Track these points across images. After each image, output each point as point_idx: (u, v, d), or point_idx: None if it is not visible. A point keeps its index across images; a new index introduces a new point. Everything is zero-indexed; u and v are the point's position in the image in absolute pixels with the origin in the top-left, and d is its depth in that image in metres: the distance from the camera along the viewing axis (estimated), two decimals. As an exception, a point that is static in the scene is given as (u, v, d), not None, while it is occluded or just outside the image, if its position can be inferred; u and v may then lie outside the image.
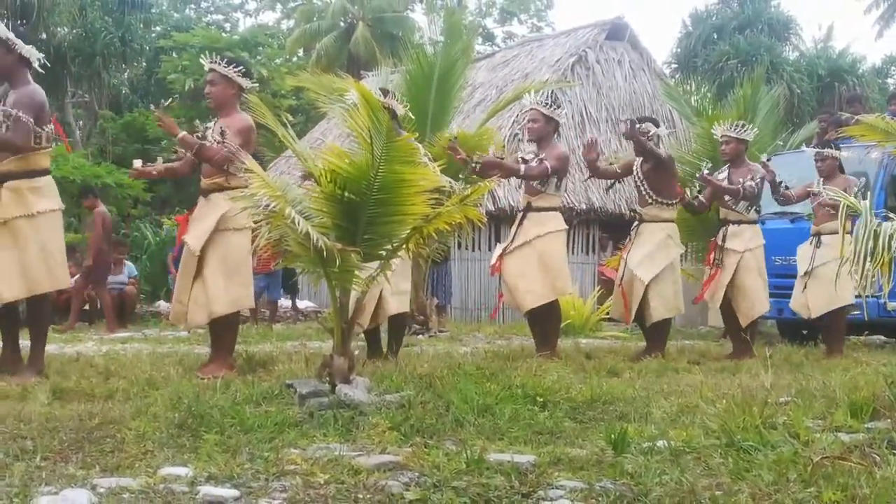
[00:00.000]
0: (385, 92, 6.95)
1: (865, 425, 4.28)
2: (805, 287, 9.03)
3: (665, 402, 5.06)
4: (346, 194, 4.82)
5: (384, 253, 5.20)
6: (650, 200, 8.47)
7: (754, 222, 8.96)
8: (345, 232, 4.93)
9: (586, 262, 17.00)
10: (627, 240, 8.77)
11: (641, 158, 8.45)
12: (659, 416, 4.63)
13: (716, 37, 29.00)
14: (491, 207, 15.71)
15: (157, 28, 33.27)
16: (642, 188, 8.51)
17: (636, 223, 8.66)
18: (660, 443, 3.88)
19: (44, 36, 26.97)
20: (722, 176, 8.92)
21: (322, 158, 4.90)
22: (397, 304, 7.01)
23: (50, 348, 7.45)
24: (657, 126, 8.58)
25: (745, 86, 14.39)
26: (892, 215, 5.31)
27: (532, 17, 40.67)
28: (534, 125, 7.95)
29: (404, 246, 5.28)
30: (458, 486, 3.24)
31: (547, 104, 7.94)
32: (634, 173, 8.60)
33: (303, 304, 15.53)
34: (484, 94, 19.18)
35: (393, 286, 6.65)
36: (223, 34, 32.09)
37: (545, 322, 8.06)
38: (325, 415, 4.35)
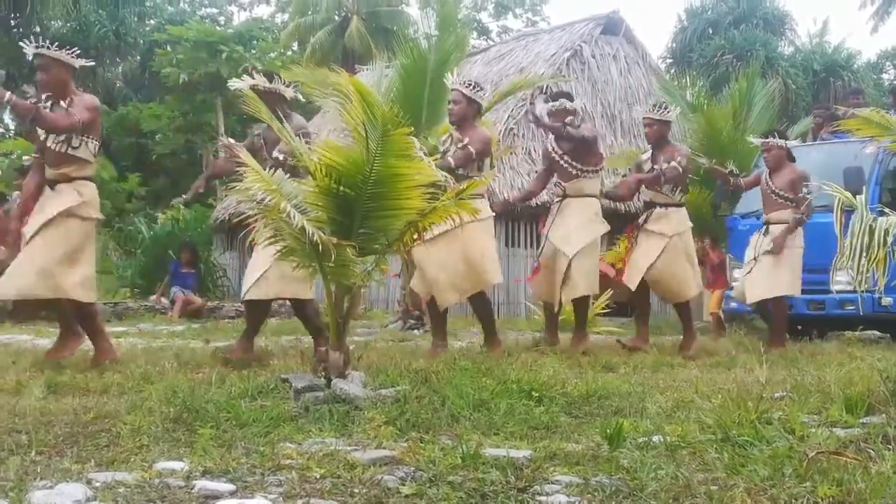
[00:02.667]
0: (270, 76, 7.13)
1: (860, 420, 4.29)
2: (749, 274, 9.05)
3: (660, 397, 5.06)
4: (342, 188, 4.81)
5: (379, 247, 5.19)
6: (574, 172, 8.25)
7: (681, 205, 8.79)
8: (340, 226, 4.92)
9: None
10: (549, 217, 8.57)
11: (554, 136, 8.31)
12: (654, 411, 4.63)
13: (711, 31, 29.06)
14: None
15: (152, 21, 33.22)
16: (563, 162, 8.29)
17: (559, 199, 8.42)
18: (655, 438, 3.88)
19: (37, 29, 26.90)
20: (645, 157, 8.86)
21: (317, 152, 4.89)
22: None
23: (44, 343, 7.45)
24: (572, 100, 8.32)
25: (741, 80, 14.45)
26: (887, 210, 5.31)
27: (527, 11, 40.69)
28: (454, 106, 7.60)
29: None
30: (453, 480, 3.23)
31: (469, 85, 7.67)
32: (552, 152, 8.44)
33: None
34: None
35: None
36: (217, 28, 32.01)
37: (480, 316, 7.80)
38: (321, 409, 4.35)
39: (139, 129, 28.40)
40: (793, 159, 9.04)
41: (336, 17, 32.80)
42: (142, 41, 30.16)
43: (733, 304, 11.13)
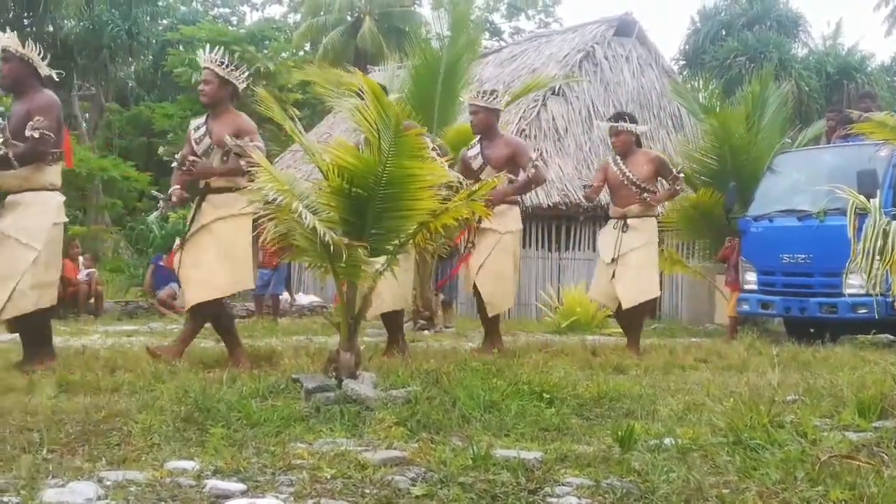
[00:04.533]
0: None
1: (873, 424, 4.27)
2: (614, 276, 8.26)
3: (672, 399, 5.05)
4: (354, 189, 4.82)
5: (391, 248, 5.19)
6: None
7: (517, 203, 8.16)
8: (352, 227, 4.92)
9: (593, 259, 16.93)
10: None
11: None
12: (666, 414, 4.62)
13: (724, 33, 28.99)
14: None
15: (164, 21, 33.30)
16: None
17: None
18: (667, 440, 3.87)
19: (50, 28, 27.01)
20: (473, 153, 7.98)
21: (330, 153, 4.89)
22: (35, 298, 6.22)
23: (56, 341, 7.45)
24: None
25: (754, 83, 14.39)
26: (901, 213, 5.29)
27: (539, 12, 40.68)
28: (205, 87, 6.72)
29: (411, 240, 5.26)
30: (464, 481, 3.23)
31: (222, 63, 6.73)
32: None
33: (307, 298, 15.53)
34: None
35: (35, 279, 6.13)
36: (230, 28, 32.10)
37: (216, 321, 6.86)
38: (332, 409, 4.35)
39: (151, 129, 28.46)
40: (640, 144, 8.50)
41: (348, 18, 32.85)
42: (154, 41, 30.20)
43: (745, 307, 11.10)
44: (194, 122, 6.89)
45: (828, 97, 26.14)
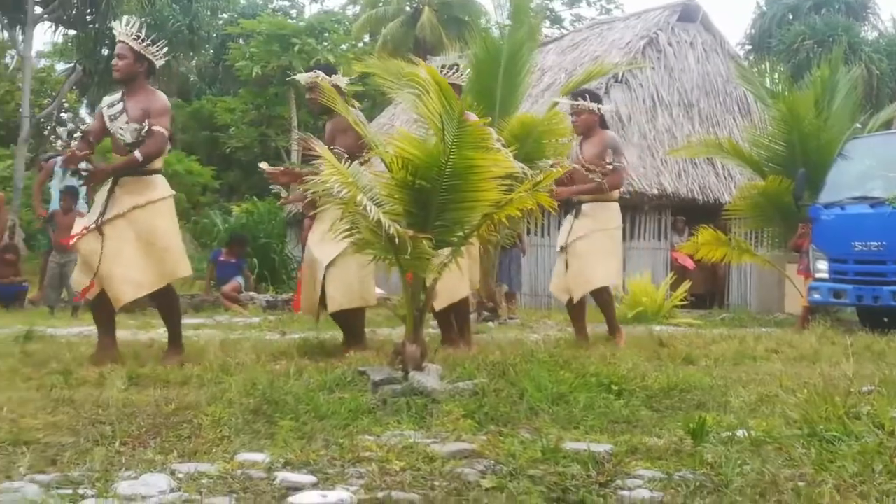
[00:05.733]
0: (330, 70, 6.91)
1: (953, 415, 4.15)
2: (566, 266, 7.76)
3: (743, 390, 4.96)
4: (418, 181, 4.80)
5: (455, 239, 5.17)
6: None
7: (614, 200, 7.84)
8: (416, 218, 4.91)
9: (658, 248, 16.80)
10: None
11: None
12: (737, 406, 4.53)
13: (791, 17, 28.53)
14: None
15: (224, 15, 33.64)
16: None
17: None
18: (739, 432, 3.79)
19: (113, 24, 27.43)
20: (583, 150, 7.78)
21: (393, 145, 4.88)
22: None
23: (124, 334, 7.58)
24: (331, 73, 6.95)
25: (822, 67, 14.11)
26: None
27: (600, -1, 40.32)
28: (119, 62, 6.27)
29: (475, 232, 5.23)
30: (534, 474, 3.20)
31: (138, 38, 6.25)
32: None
33: (371, 290, 15.54)
34: (553, 77, 19.02)
35: None
36: (289, 20, 32.31)
37: (166, 313, 6.58)
38: (399, 402, 4.34)
39: (213, 123, 28.80)
40: (606, 126, 8.06)
41: (407, 8, 32.92)
42: (215, 35, 30.56)
43: (817, 296, 10.89)
44: (107, 99, 6.49)
45: (899, 80, 25.58)
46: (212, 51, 31.69)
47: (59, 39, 30.97)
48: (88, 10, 25.75)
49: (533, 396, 4.44)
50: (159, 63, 6.37)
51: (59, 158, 12.19)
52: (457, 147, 4.69)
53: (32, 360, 6.03)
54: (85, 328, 8.32)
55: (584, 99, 7.81)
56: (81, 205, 11.51)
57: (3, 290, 11.69)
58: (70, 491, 2.90)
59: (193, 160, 24.68)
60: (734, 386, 5.14)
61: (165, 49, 6.42)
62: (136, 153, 6.02)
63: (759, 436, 3.73)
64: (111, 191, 6.13)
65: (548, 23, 36.86)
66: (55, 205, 11.79)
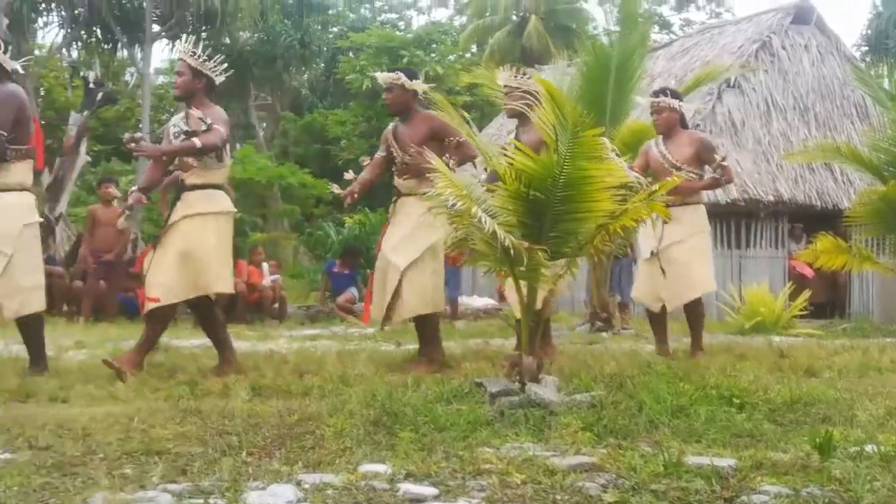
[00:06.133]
0: (411, 74, 6.91)
1: None
2: (663, 273, 7.36)
3: (870, 404, 4.82)
4: (532, 192, 4.80)
5: (569, 250, 5.15)
6: (406, 170, 6.82)
7: (702, 202, 7.55)
8: (530, 230, 4.91)
9: (775, 257, 16.38)
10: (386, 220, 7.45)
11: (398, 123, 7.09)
12: (865, 420, 4.41)
13: (908, 17, 27.57)
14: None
15: (335, 29, 34.13)
16: (396, 156, 6.95)
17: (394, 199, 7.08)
18: (868, 447, 3.69)
19: (227, 41, 28.16)
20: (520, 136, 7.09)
21: (507, 156, 4.90)
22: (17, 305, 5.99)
23: (244, 345, 7.77)
24: (412, 77, 6.93)
25: (945, 67, 13.59)
26: None
27: (710, 2, 39.68)
28: (178, 79, 6.39)
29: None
30: (656, 489, 3.17)
31: (195, 54, 6.34)
32: (389, 143, 7.08)
33: (482, 301, 15.60)
34: (662, 83, 18.75)
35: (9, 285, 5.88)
36: (397, 33, 32.65)
37: (205, 325, 6.61)
38: (516, 414, 4.35)
39: (325, 136, 29.24)
40: (685, 125, 7.72)
41: (514, 18, 32.95)
42: (326, 49, 31.04)
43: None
44: (174, 119, 6.64)
45: None
46: (322, 64, 32.18)
47: (176, 56, 31.94)
48: (203, 28, 26.49)
49: (652, 409, 4.40)
50: (219, 79, 6.42)
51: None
52: (570, 158, 4.69)
53: (158, 371, 6.22)
54: (207, 340, 8.54)
55: (665, 96, 7.62)
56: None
57: (128, 303, 12.07)
58: (201, 501, 2.99)
59: (306, 173, 25.06)
60: (860, 399, 5.00)
61: (225, 65, 6.47)
62: (195, 139, 6.06)
63: (889, 451, 3.63)
64: (174, 205, 6.28)
65: (656, 28, 36.44)
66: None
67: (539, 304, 5.12)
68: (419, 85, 6.90)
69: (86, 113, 18.04)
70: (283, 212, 26.23)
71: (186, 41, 6.42)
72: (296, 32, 28.35)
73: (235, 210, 6.48)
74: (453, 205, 4.87)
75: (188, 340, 8.29)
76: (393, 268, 6.68)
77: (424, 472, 3.36)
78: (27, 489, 3.12)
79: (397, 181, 6.97)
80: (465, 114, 5.61)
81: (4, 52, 6.01)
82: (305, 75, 33.69)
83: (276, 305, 13.56)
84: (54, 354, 7.08)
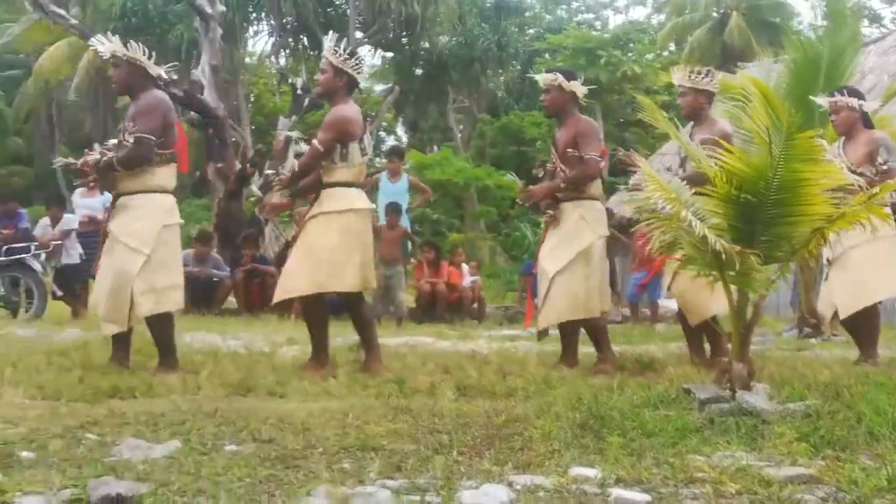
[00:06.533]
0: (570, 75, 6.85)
1: None
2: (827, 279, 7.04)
3: None
4: (743, 195, 4.70)
5: (782, 255, 5.00)
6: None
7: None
8: (741, 234, 4.80)
9: None
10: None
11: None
12: None
13: None
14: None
15: (531, 31, 34.30)
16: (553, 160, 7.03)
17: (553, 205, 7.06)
18: None
19: (426, 45, 28.77)
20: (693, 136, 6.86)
21: (717, 158, 4.80)
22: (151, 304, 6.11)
23: (445, 345, 7.92)
24: (570, 78, 6.90)
25: None
26: None
27: (925, -7, 37.48)
28: (320, 76, 6.48)
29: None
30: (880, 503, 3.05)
31: (336, 52, 6.32)
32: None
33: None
34: (875, 80, 17.85)
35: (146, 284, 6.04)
36: (594, 33, 32.46)
37: (309, 323, 6.57)
38: (727, 422, 4.25)
39: (521, 137, 29.41)
40: (870, 126, 7.25)
41: (714, 14, 32.14)
42: (522, 51, 31.22)
43: None
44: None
45: None
46: (519, 66, 32.39)
47: (377, 61, 32.95)
48: (404, 33, 27.18)
49: (872, 421, 4.21)
50: (361, 77, 6.46)
51: (385, 173, 12.94)
52: (785, 160, 4.55)
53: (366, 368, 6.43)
54: (410, 339, 8.77)
55: (842, 95, 7.28)
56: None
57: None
58: (417, 497, 3.07)
59: (502, 174, 25.32)
60: None
61: (363, 65, 6.51)
62: (315, 141, 6.25)
63: None
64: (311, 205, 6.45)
65: (866, 22, 34.77)
66: (382, 219, 12.47)
67: (749, 310, 4.99)
68: (577, 87, 6.87)
69: (294, 118, 18.82)
70: (479, 213, 26.58)
71: (331, 40, 6.45)
72: (493, 35, 28.68)
73: (367, 207, 6.53)
74: (662, 208, 4.83)
75: (392, 339, 8.48)
76: (545, 273, 6.79)
77: (635, 478, 3.35)
78: (254, 480, 3.29)
79: None
80: (664, 113, 5.50)
81: (149, 59, 6.26)
82: (502, 77, 33.97)
83: (476, 306, 13.75)
84: (269, 350, 7.47)
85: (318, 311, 6.50)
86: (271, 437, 3.97)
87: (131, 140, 6.04)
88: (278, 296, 6.41)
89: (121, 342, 6.20)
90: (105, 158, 6.15)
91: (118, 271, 6.01)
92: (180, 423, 4.21)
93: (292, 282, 6.30)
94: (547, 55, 29.66)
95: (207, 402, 4.73)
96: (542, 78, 7.00)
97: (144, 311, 6.02)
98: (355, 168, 6.36)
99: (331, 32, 7.09)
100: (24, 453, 3.59)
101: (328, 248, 6.21)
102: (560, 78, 6.86)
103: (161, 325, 6.16)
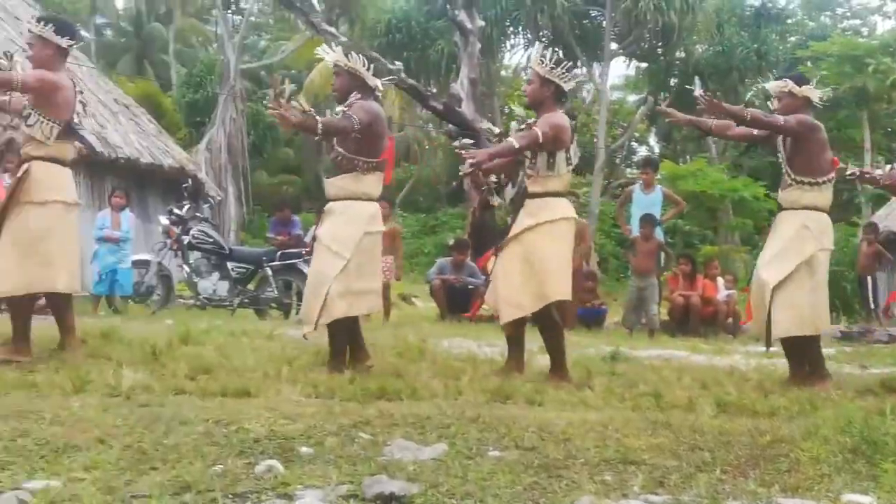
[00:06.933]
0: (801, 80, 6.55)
1: None
2: None
3: None
4: None
5: None
6: (789, 181, 6.53)
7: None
8: None
9: None
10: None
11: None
12: None
13: None
14: None
15: (793, 38, 33.01)
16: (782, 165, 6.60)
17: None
18: None
19: (681, 55, 28.27)
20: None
21: None
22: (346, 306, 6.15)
23: (699, 359, 7.77)
24: (802, 83, 6.54)
25: None
26: None
27: None
28: (527, 87, 6.41)
29: None
30: None
31: (542, 62, 6.25)
32: (778, 147, 6.69)
33: None
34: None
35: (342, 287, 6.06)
36: (861, 39, 30.80)
37: (548, 339, 6.48)
38: None
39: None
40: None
41: None
42: (783, 59, 30.06)
43: None
44: (514, 125, 6.70)
45: None
46: (779, 75, 31.24)
47: (632, 72, 32.69)
48: (659, 43, 26.85)
49: None
50: (568, 86, 6.39)
51: (638, 184, 12.85)
52: None
53: (621, 380, 6.41)
54: (664, 351, 8.66)
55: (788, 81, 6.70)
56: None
57: (585, 313, 12.54)
58: (682, 514, 3.08)
59: (760, 186, 24.47)
60: None
61: (574, 72, 6.45)
62: (512, 139, 6.17)
63: None
64: (516, 211, 6.40)
65: None
66: (635, 231, 12.38)
67: None
68: (810, 91, 6.54)
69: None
70: (734, 225, 25.81)
71: (537, 51, 6.51)
72: (752, 43, 27.79)
73: (574, 216, 6.51)
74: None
75: (646, 351, 8.39)
76: (763, 285, 6.43)
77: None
78: (518, 487, 3.38)
79: (780, 194, 6.71)
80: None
81: (368, 70, 6.44)
82: (761, 86, 32.84)
83: (730, 320, 13.37)
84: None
85: (548, 321, 6.48)
86: (533, 445, 4.05)
87: (339, 115, 6.28)
88: (508, 314, 6.40)
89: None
90: (312, 113, 6.23)
91: (318, 273, 6.23)
92: (445, 426, 4.36)
93: (521, 297, 6.31)
94: (809, 63, 28.35)
95: (470, 408, 4.86)
96: (772, 86, 6.77)
97: (338, 313, 6.17)
98: (563, 177, 6.38)
99: (536, 44, 7.18)
100: (304, 449, 3.85)
101: (549, 256, 6.24)
102: (790, 84, 6.59)
103: (346, 327, 6.32)
